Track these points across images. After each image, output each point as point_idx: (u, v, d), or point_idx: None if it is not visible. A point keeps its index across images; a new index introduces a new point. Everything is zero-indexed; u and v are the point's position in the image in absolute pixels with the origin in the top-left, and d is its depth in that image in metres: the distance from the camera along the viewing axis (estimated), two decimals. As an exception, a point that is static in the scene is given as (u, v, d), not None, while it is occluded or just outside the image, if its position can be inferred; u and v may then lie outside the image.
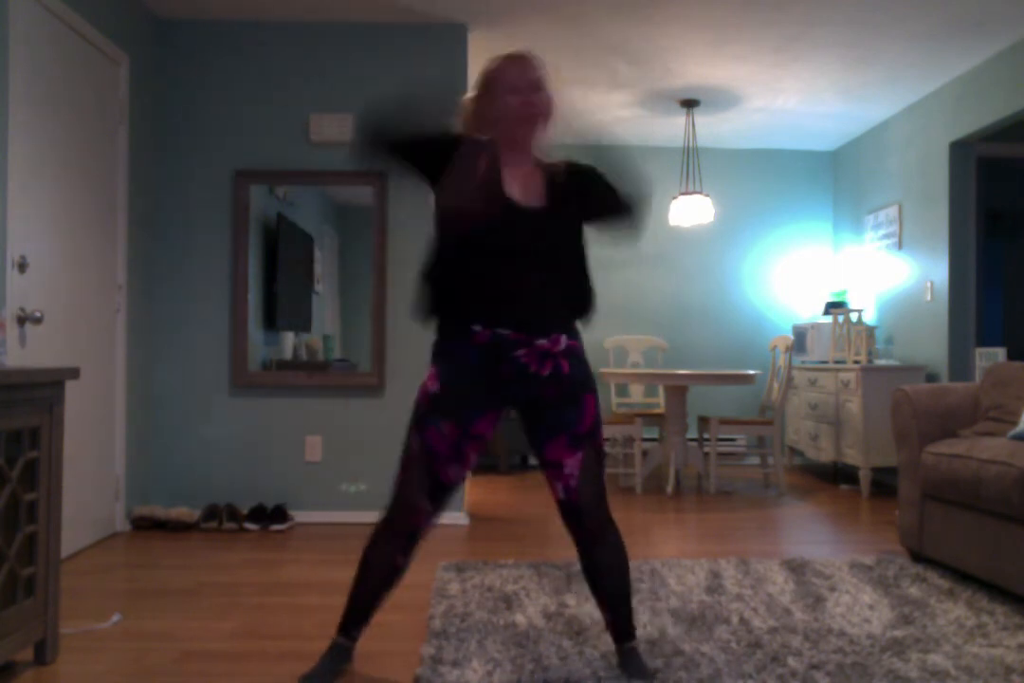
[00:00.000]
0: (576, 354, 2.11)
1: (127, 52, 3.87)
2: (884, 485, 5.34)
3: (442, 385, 2.05)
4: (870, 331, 5.47)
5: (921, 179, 5.31)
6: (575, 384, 2.08)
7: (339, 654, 2.14)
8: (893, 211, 5.62)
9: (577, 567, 3.20)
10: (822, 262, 6.62)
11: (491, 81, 2.07)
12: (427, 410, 2.06)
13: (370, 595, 2.15)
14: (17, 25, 2.98)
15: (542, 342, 2.04)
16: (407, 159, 2.08)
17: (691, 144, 5.73)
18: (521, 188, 2.07)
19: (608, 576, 2.16)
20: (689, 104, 5.46)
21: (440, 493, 2.09)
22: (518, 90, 2.03)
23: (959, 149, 5.01)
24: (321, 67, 4.28)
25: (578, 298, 2.13)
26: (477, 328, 2.02)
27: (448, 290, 2.06)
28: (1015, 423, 3.16)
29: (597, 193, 2.14)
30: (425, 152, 2.06)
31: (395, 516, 2.10)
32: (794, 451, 6.33)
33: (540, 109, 2.05)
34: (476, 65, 4.58)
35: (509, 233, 2.02)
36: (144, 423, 4.12)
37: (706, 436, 5.52)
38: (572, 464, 2.07)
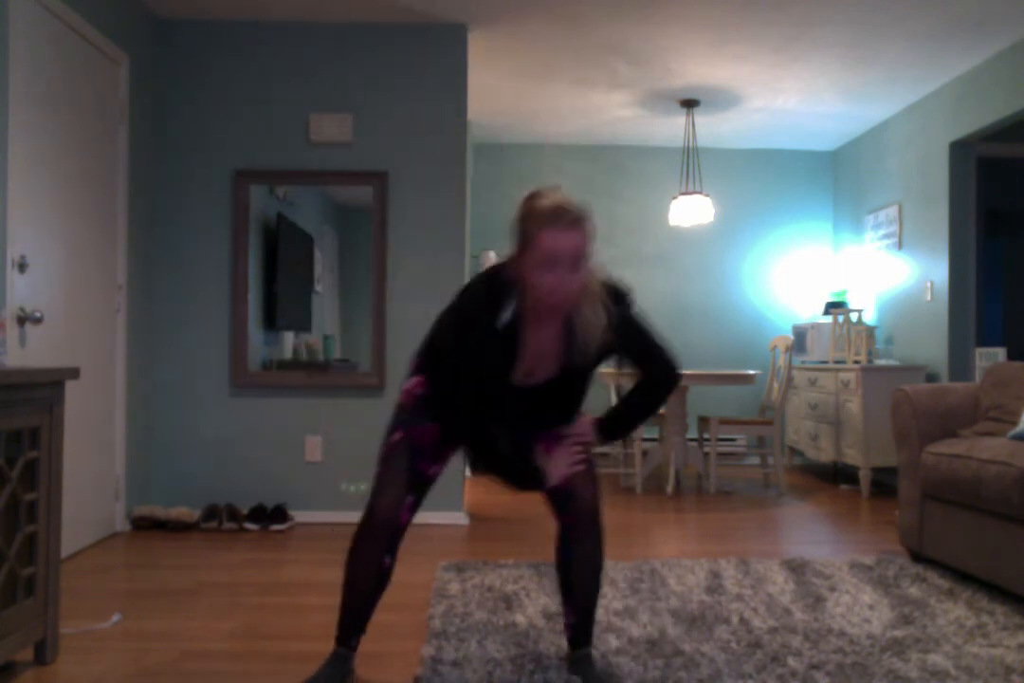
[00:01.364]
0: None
1: (127, 52, 3.87)
2: (884, 485, 5.34)
3: (431, 391, 2.06)
4: (870, 331, 5.47)
5: (921, 179, 5.31)
6: (561, 393, 2.08)
7: (339, 664, 2.09)
8: (893, 211, 5.62)
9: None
10: (822, 262, 6.62)
11: (529, 237, 1.87)
12: (413, 409, 2.07)
13: (362, 601, 2.10)
14: (17, 25, 2.98)
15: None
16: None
17: (691, 144, 5.73)
18: (533, 361, 1.98)
19: (581, 575, 2.11)
20: (689, 104, 5.46)
21: (421, 487, 2.07)
22: (555, 263, 1.84)
23: (959, 149, 5.01)
24: (321, 67, 4.28)
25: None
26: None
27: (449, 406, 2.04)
28: (1015, 423, 3.16)
29: (625, 351, 2.04)
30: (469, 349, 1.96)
31: (378, 511, 2.04)
32: (794, 451, 6.33)
33: (573, 290, 1.89)
34: (476, 65, 4.62)
35: (507, 405, 2.00)
36: (144, 423, 4.12)
37: (706, 436, 5.52)
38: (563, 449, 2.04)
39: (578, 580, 2.12)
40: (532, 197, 1.91)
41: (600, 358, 2.03)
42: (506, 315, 1.93)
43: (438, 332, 2.09)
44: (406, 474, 2.03)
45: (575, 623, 2.15)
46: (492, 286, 1.97)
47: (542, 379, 2.01)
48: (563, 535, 2.12)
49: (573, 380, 2.05)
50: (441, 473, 2.12)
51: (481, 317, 1.94)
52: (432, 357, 2.08)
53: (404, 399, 2.10)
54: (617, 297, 2.00)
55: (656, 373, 2.06)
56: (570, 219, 1.86)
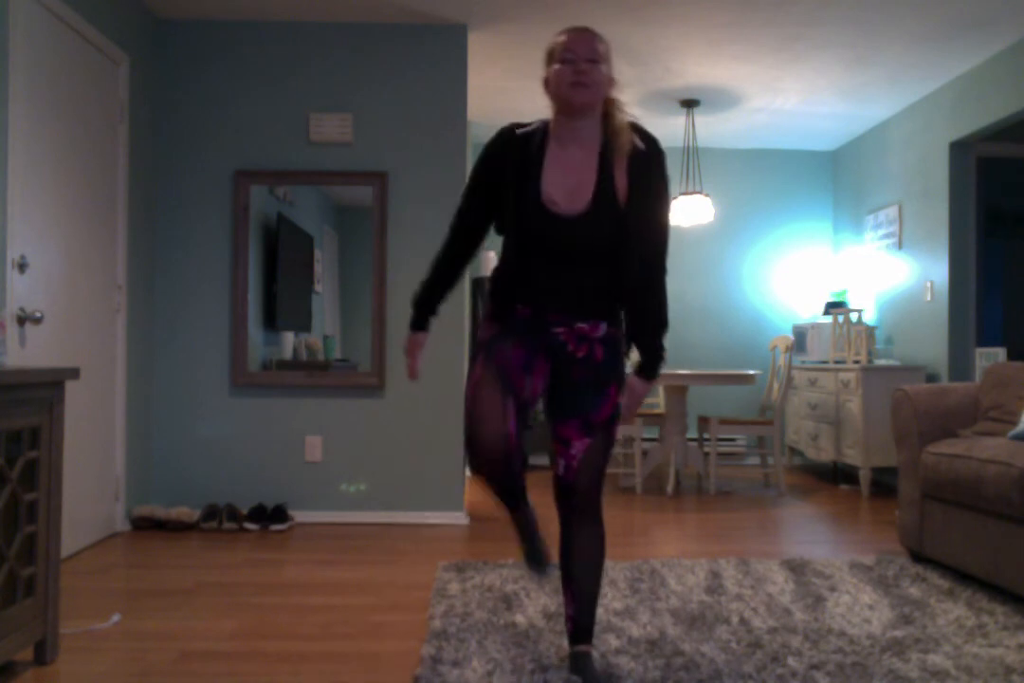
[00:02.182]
0: (613, 342, 2.14)
1: (127, 52, 3.87)
2: (884, 485, 5.34)
3: (502, 329, 2.11)
4: (870, 331, 5.47)
5: (921, 179, 5.31)
6: (606, 371, 2.12)
7: (529, 530, 2.22)
8: (893, 211, 5.62)
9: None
10: (822, 262, 6.62)
11: (550, 53, 2.08)
12: (492, 338, 2.10)
13: (510, 487, 2.12)
14: (17, 25, 2.98)
15: (581, 325, 2.09)
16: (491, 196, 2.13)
17: (691, 144, 5.73)
18: (564, 182, 2.05)
19: (581, 563, 2.13)
20: (689, 104, 5.46)
21: (521, 408, 2.05)
22: (572, 59, 2.01)
23: (959, 149, 5.01)
24: (321, 67, 4.28)
25: (624, 291, 2.13)
26: (522, 308, 2.10)
27: (503, 285, 2.14)
28: (1015, 423, 3.16)
29: (639, 198, 2.07)
30: (493, 180, 2.11)
31: (482, 447, 2.02)
32: (794, 451, 6.33)
33: (588, 78, 2.00)
34: (476, 65, 4.62)
35: (547, 238, 2.05)
36: (144, 423, 4.12)
37: (706, 436, 5.52)
38: (579, 447, 2.09)
39: (580, 573, 2.13)
40: None
41: (625, 200, 2.05)
42: (531, 128, 2.10)
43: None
44: (500, 397, 2.02)
45: (575, 616, 2.14)
46: (504, 127, 2.13)
47: (580, 207, 2.03)
48: (565, 528, 2.14)
49: (610, 221, 2.04)
50: (539, 392, 2.12)
51: (500, 135, 2.11)
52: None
53: (481, 336, 2.14)
54: (645, 135, 2.10)
55: (640, 248, 2.08)
56: (584, 28, 2.07)
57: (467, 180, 2.18)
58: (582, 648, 2.14)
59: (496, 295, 2.16)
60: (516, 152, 2.07)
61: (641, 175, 2.06)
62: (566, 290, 2.08)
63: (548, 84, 2.06)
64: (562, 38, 2.05)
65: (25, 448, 2.16)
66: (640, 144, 2.07)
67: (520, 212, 2.05)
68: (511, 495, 2.15)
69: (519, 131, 2.10)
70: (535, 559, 2.24)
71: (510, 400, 2.03)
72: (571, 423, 2.10)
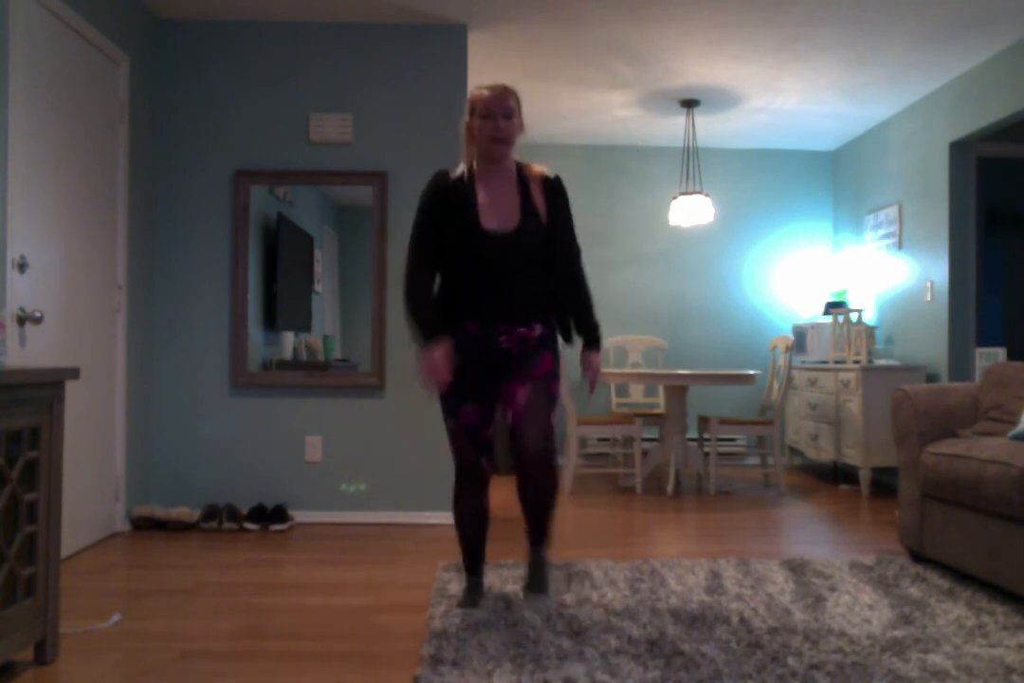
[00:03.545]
0: (547, 336, 2.63)
1: (127, 52, 3.87)
2: (884, 485, 5.34)
3: (454, 374, 2.53)
4: (870, 331, 5.47)
5: (921, 179, 5.31)
6: (540, 345, 2.60)
7: (476, 587, 2.76)
8: (893, 211, 5.62)
9: (577, 567, 3.21)
10: (822, 262, 6.62)
11: (472, 107, 2.57)
12: (450, 397, 2.60)
13: (475, 541, 2.75)
14: (17, 25, 2.98)
15: (522, 329, 2.58)
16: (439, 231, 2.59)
17: (691, 144, 5.73)
18: (496, 209, 2.54)
19: (532, 493, 2.64)
20: (689, 104, 5.45)
21: (486, 447, 2.66)
22: (490, 116, 2.52)
23: (959, 149, 5.01)
24: (321, 67, 4.28)
25: (553, 295, 2.65)
26: (471, 324, 2.57)
27: (450, 301, 2.60)
28: (1015, 423, 3.16)
29: (556, 217, 2.62)
30: (442, 219, 2.57)
31: (466, 477, 2.67)
32: (794, 451, 6.33)
33: (505, 134, 2.53)
34: (476, 65, 4.61)
35: (487, 255, 2.53)
36: (144, 423, 4.12)
37: (706, 436, 5.52)
38: (521, 395, 2.55)
39: (531, 500, 2.65)
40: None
41: (546, 219, 2.59)
42: (460, 171, 2.60)
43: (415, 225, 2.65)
44: (472, 444, 2.63)
45: (529, 529, 2.71)
46: (438, 172, 2.64)
47: (512, 226, 2.53)
48: (519, 466, 2.62)
49: (537, 234, 2.57)
50: (494, 428, 2.68)
51: (437, 180, 2.60)
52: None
53: (441, 389, 2.57)
54: (552, 177, 2.66)
55: (562, 255, 2.63)
56: (499, 87, 2.57)
57: (416, 218, 2.60)
58: (535, 549, 2.72)
59: (446, 317, 2.58)
60: (452, 189, 2.56)
61: (555, 197, 2.62)
62: (507, 301, 2.55)
63: (472, 134, 2.57)
64: (483, 94, 2.54)
65: (25, 448, 2.16)
66: (549, 173, 2.63)
67: (463, 236, 2.52)
68: (478, 547, 2.77)
69: (451, 173, 2.60)
70: (469, 602, 2.71)
71: (483, 459, 2.65)
72: (513, 382, 2.57)
